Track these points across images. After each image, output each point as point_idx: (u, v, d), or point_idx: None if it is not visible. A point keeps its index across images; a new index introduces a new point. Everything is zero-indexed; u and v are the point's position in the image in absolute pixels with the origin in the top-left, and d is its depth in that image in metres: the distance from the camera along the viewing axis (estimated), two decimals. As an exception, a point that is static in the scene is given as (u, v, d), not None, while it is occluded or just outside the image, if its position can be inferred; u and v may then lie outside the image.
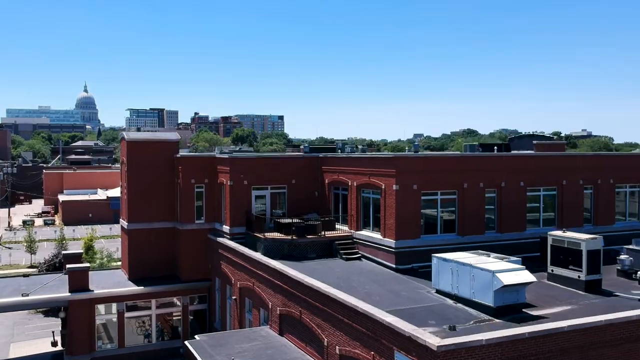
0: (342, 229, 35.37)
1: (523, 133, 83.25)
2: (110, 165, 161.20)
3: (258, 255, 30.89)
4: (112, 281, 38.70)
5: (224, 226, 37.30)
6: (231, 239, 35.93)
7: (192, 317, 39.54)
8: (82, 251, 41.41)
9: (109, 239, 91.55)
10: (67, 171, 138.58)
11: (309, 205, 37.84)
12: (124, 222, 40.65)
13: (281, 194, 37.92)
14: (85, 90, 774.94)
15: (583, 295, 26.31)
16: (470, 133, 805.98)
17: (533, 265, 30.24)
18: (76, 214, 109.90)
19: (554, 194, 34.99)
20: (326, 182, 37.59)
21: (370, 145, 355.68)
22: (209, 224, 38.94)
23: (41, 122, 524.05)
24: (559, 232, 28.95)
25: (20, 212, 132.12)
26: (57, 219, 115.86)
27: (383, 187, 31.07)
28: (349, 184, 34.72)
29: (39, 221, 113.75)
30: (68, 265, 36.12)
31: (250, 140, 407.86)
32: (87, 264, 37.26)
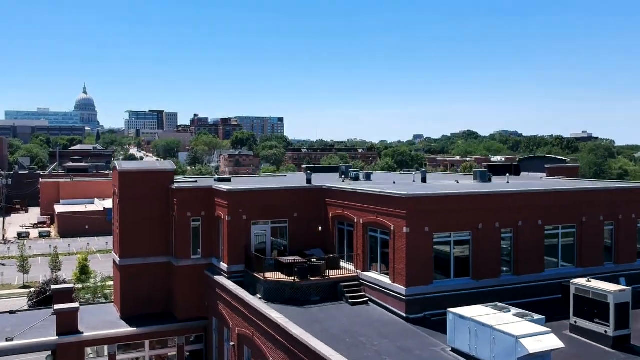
0: (347, 268, 33.21)
1: (535, 154, 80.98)
2: (107, 172, 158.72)
3: (258, 304, 28.70)
4: (103, 320, 36.52)
5: (221, 263, 35.12)
6: (229, 278, 33.76)
7: (188, 354, 37.37)
8: (72, 285, 39.18)
9: (106, 254, 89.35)
10: (64, 180, 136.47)
11: (311, 240, 35.67)
12: (116, 257, 38.48)
13: (282, 228, 35.75)
14: (85, 92, 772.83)
15: (611, 354, 24.21)
16: (471, 135, 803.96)
17: (553, 311, 28.20)
18: (72, 226, 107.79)
19: (573, 231, 32.83)
20: (330, 216, 35.44)
21: (371, 148, 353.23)
22: (205, 259, 36.74)
23: (40, 124, 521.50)
24: (582, 281, 26.80)
25: (17, 221, 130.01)
26: (53, 230, 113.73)
27: (392, 228, 28.92)
28: (355, 220, 32.57)
29: (34, 232, 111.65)
30: (56, 307, 33.93)
31: (250, 144, 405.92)
32: (77, 305, 35.03)
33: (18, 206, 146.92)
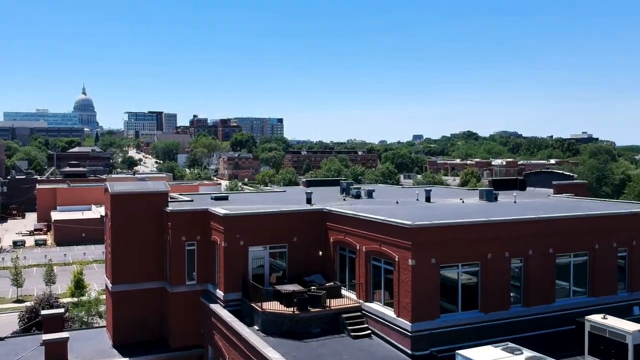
0: (349, 297, 31.74)
1: (541, 169, 79.72)
2: (105, 177, 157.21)
3: (255, 340, 27.23)
4: (94, 349, 35.07)
5: (217, 290, 33.63)
6: (225, 307, 32.30)
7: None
8: (62, 310, 37.61)
9: (102, 264, 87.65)
10: (61, 185, 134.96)
11: (312, 265, 34.21)
12: (108, 282, 37.02)
13: (281, 253, 34.28)
14: (84, 93, 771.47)
15: (630, 399, 22.77)
16: (470, 135, 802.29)
17: (566, 346, 26.83)
18: (68, 234, 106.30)
19: (585, 259, 31.38)
20: (331, 240, 33.96)
21: (370, 150, 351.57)
22: (201, 285, 35.27)
23: (39, 125, 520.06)
24: (598, 318, 25.36)
25: (13, 228, 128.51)
26: (49, 238, 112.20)
27: (397, 259, 27.45)
28: (357, 248, 31.10)
29: (30, 240, 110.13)
30: (45, 337, 32.44)
31: (249, 146, 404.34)
32: (66, 335, 33.46)
33: (14, 212, 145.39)
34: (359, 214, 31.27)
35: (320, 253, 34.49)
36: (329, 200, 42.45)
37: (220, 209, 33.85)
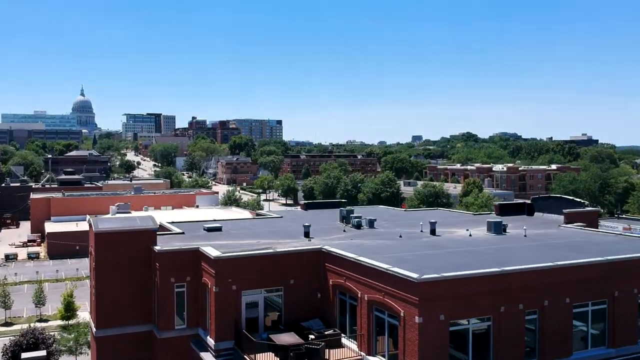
0: (350, 348, 29.45)
1: (550, 194, 77.39)
2: (102, 184, 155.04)
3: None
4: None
5: (208, 338, 31.36)
6: (216, 357, 30.06)
7: None
8: (45, 353, 35.37)
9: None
10: (56, 195, 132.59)
11: (310, 309, 31.98)
12: (92, 325, 34.77)
13: (277, 297, 32.03)
14: (82, 94, 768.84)
15: None
16: (470, 137, 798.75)
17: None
18: (62, 247, 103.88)
19: (604, 307, 29.15)
20: (330, 283, 31.70)
21: (370, 154, 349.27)
22: (191, 329, 33.00)
23: (36, 127, 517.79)
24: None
25: (7, 238, 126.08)
26: (43, 251, 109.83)
27: (402, 314, 25.19)
28: (359, 296, 28.83)
29: (23, 252, 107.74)
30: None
31: (248, 149, 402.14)
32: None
33: (9, 221, 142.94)
34: (360, 259, 28.99)
35: (319, 296, 32.26)
36: (328, 232, 40.28)
37: (211, 250, 31.58)
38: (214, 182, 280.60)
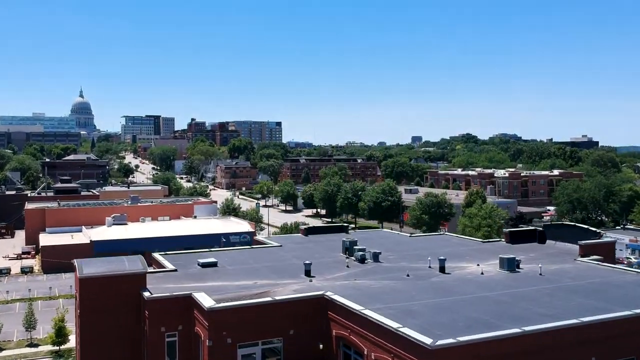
0: (354, 408, 27.14)
1: (563, 222, 75.03)
2: (99, 191, 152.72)
3: None
4: None
5: (202, 394, 29.05)
6: (210, 417, 27.72)
7: None
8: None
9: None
10: (51, 204, 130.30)
11: (311, 361, 29.64)
12: (77, 376, 32.46)
13: (276, 349, 29.69)
14: (81, 96, 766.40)
15: None
16: (470, 139, 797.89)
17: None
18: (57, 260, 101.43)
19: (630, 365, 26.82)
20: (333, 334, 29.36)
21: (370, 158, 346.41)
22: (184, 381, 30.66)
23: (35, 130, 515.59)
24: None
25: (1, 249, 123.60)
26: (37, 264, 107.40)
27: (413, 382, 22.87)
28: (365, 353, 26.47)
29: (17, 266, 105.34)
30: None
31: (247, 152, 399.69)
32: None
33: (4, 231, 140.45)
34: (366, 313, 26.62)
35: (321, 347, 29.92)
36: (330, 267, 37.98)
37: (205, 298, 29.19)
38: (212, 187, 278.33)
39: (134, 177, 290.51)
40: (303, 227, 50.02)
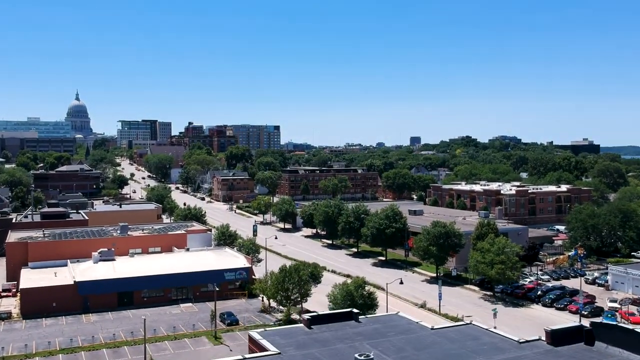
0: None
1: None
2: (87, 218, 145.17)
3: None
4: None
5: None
6: None
7: None
8: None
9: (69, 353, 75.26)
10: (36, 233, 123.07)
11: None
12: None
13: None
14: (77, 99, 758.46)
15: None
16: (470, 142, 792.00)
17: None
18: (37, 303, 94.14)
19: None
20: None
21: (370, 167, 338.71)
22: None
23: (29, 136, 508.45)
24: None
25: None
26: (16, 306, 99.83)
27: None
28: None
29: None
30: None
31: (245, 159, 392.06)
32: None
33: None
34: None
35: None
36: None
37: None
38: (209, 199, 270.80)
39: (129, 189, 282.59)
40: (306, 316, 42.61)
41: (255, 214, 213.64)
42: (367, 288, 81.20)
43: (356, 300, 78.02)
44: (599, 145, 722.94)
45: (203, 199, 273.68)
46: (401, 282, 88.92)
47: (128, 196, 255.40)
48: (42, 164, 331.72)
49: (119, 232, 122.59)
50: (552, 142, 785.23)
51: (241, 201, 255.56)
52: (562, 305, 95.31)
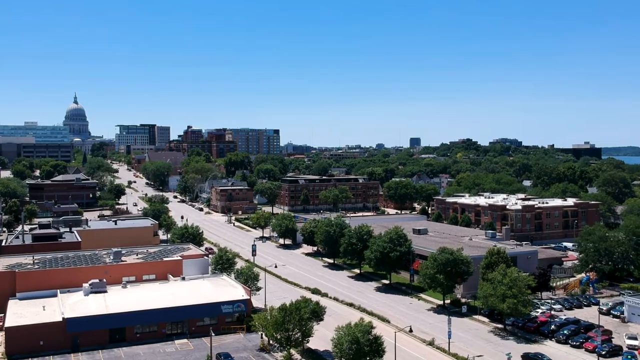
0: None
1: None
2: (79, 240, 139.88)
3: None
4: None
5: None
6: None
7: None
8: None
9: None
10: (25, 259, 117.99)
11: None
12: None
13: None
14: (75, 102, 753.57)
15: None
16: (470, 145, 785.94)
17: None
18: (23, 343, 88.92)
19: None
20: None
21: (371, 176, 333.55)
22: None
23: (26, 141, 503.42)
24: None
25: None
26: (1, 343, 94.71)
27: None
28: None
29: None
30: None
31: (244, 166, 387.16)
32: None
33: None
34: None
35: None
36: None
37: None
38: (207, 210, 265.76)
39: (126, 199, 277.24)
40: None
41: (255, 228, 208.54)
42: (373, 332, 76.07)
43: (362, 348, 73.10)
44: (600, 148, 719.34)
45: (201, 209, 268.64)
46: (410, 330, 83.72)
47: (125, 208, 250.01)
48: (38, 170, 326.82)
49: (112, 257, 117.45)
50: (553, 145, 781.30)
51: (240, 212, 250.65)
52: (578, 343, 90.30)
